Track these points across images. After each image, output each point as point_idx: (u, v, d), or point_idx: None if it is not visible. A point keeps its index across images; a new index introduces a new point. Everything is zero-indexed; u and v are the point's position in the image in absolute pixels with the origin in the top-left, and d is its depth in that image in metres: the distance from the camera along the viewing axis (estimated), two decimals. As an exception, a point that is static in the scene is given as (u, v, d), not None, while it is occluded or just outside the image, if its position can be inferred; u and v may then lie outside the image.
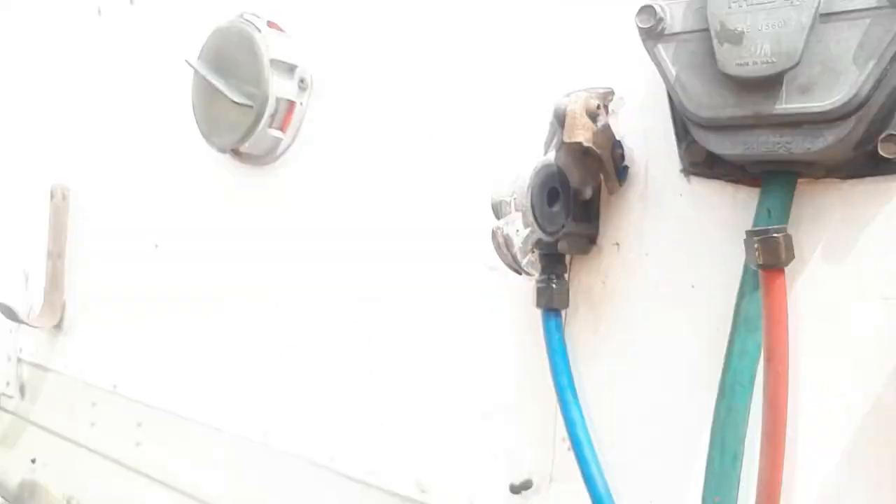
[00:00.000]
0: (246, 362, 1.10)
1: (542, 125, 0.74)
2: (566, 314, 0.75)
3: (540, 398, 0.77)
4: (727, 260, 0.66)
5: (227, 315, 1.13)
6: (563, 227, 0.68)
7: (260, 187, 1.12)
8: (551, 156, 0.67)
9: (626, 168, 0.72)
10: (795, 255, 0.61)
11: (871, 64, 0.51)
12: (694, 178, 0.69)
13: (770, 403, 0.51)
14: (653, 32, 0.60)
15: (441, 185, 0.87)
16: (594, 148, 0.66)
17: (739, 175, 0.65)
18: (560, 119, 0.68)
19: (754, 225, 0.61)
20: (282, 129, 1.08)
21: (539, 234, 0.65)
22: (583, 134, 0.65)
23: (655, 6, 0.60)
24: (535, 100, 0.79)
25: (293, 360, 1.02)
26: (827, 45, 0.53)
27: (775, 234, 0.50)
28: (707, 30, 0.57)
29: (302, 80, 1.06)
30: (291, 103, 1.07)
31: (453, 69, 0.87)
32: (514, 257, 0.63)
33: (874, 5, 0.51)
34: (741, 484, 0.61)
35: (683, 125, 0.67)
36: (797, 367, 0.61)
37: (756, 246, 0.51)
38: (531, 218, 0.64)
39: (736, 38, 0.55)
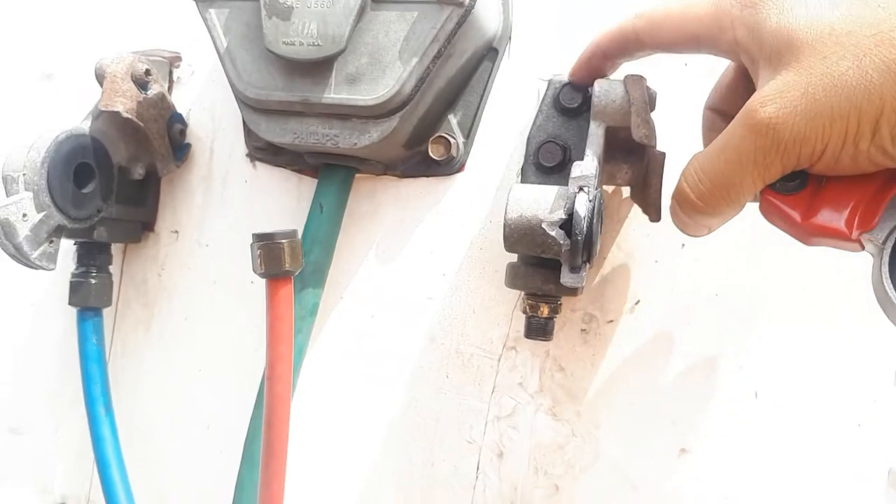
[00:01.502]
0: None
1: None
2: (116, 312, 0.63)
3: (80, 411, 0.64)
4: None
5: None
6: (99, 211, 0.55)
7: None
8: (86, 125, 0.54)
9: (187, 146, 0.61)
10: (350, 252, 0.58)
11: (415, 61, 0.47)
12: (259, 164, 0.61)
13: (268, 423, 0.44)
14: (205, -7, 0.51)
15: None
16: (135, 119, 0.54)
17: (302, 164, 0.58)
18: (101, 82, 0.55)
19: (307, 221, 0.55)
20: None
21: (59, 219, 0.52)
22: (123, 102, 0.53)
23: (206, -38, 0.50)
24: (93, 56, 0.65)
25: None
26: (376, 34, 0.48)
27: (278, 242, 0.44)
28: (260, -1, 0.49)
29: None
30: None
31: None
32: (17, 248, 0.49)
33: (422, -1, 0.47)
34: None
35: (247, 105, 0.59)
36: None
37: (259, 253, 0.44)
38: (47, 199, 0.51)
39: (285, 13, 0.48)
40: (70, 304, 0.58)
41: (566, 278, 0.43)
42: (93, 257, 0.58)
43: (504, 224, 0.44)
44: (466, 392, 0.56)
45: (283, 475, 0.45)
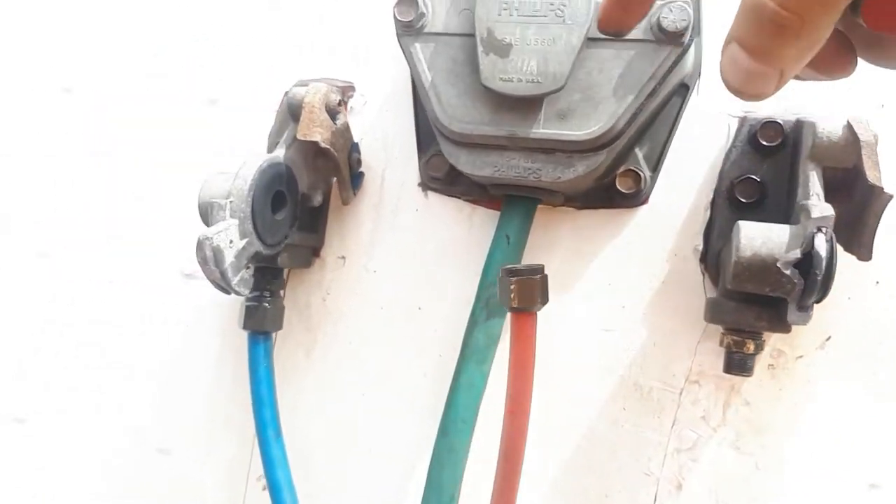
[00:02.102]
0: None
1: (266, 116, 0.62)
2: (276, 335, 0.63)
3: (233, 432, 0.64)
4: (457, 283, 0.60)
5: None
6: (285, 237, 0.55)
7: None
8: (280, 153, 0.54)
9: (361, 175, 0.61)
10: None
11: (630, 98, 0.48)
12: (431, 194, 0.61)
13: (506, 455, 0.44)
14: (412, 28, 0.51)
15: (126, 167, 0.68)
16: (332, 150, 0.54)
17: (479, 195, 0.59)
18: (294, 111, 0.55)
19: (492, 250, 0.55)
20: None
21: (258, 246, 0.52)
22: (320, 132, 0.54)
23: (417, -1, 0.51)
24: (258, 83, 0.66)
25: None
26: (590, 71, 0.48)
27: (532, 276, 0.44)
28: (472, 35, 0.49)
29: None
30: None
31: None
32: (223, 274, 0.49)
33: (639, 37, 0.47)
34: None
35: (429, 135, 0.59)
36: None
37: (512, 287, 0.44)
38: (250, 227, 0.51)
39: (503, 50, 0.48)
40: (244, 327, 0.58)
41: (794, 317, 0.43)
42: (267, 282, 0.58)
43: (735, 262, 0.44)
44: (644, 424, 0.56)
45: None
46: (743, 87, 0.30)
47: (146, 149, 0.67)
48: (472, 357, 0.53)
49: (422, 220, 0.61)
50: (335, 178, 0.59)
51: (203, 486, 0.65)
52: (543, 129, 0.49)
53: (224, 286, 0.50)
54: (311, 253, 0.62)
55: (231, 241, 0.49)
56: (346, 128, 0.58)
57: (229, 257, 0.49)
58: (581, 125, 0.49)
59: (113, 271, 0.67)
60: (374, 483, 0.60)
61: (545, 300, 0.45)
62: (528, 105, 0.49)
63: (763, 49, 0.28)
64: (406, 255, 0.61)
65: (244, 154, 0.64)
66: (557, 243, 0.58)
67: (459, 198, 0.60)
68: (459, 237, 0.60)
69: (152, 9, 0.68)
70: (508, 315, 0.52)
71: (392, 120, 0.62)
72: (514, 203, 0.55)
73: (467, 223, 0.60)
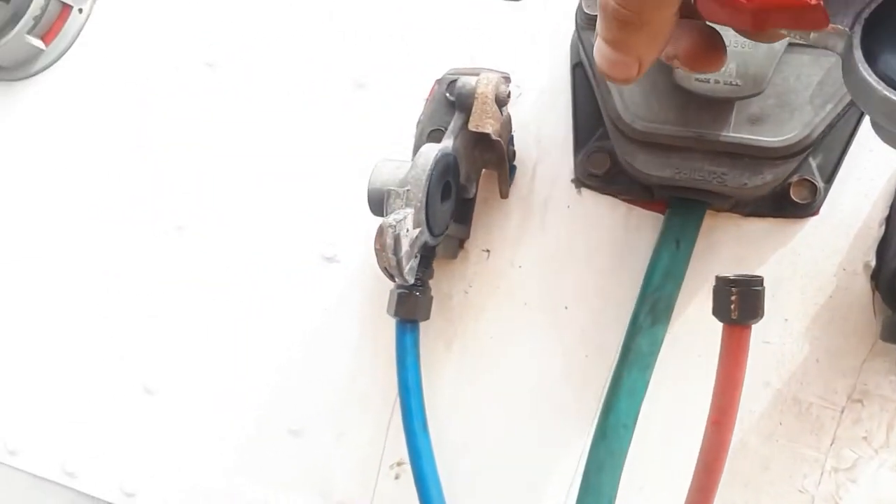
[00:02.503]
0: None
1: (414, 101, 0.61)
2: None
3: (368, 418, 0.64)
4: (609, 283, 0.59)
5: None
6: (446, 228, 0.55)
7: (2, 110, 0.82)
8: (449, 143, 0.54)
9: (514, 168, 0.61)
10: (684, 288, 0.56)
11: (829, 107, 0.46)
12: (585, 191, 0.60)
13: (706, 467, 0.44)
14: (595, 21, 0.50)
15: (270, 148, 0.69)
16: (501, 142, 0.54)
17: (640, 195, 0.57)
18: (463, 101, 0.55)
19: (658, 254, 0.54)
20: (44, 38, 0.80)
21: (426, 236, 0.52)
22: (492, 124, 0.53)
23: (602, -8, 0.50)
24: (407, 68, 0.65)
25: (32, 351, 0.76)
26: (787, 77, 0.47)
27: (755, 287, 0.42)
28: (657, 32, 0.48)
29: (84, -19, 0.79)
30: (66, 7, 0.79)
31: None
32: (398, 263, 0.49)
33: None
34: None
35: (587, 130, 0.58)
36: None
37: (733, 298, 0.43)
38: (423, 217, 0.50)
39: (697, 49, 0.47)
40: (395, 314, 0.58)
41: None
42: (420, 272, 0.58)
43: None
44: (801, 441, 0.54)
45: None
46: (610, 73, 0.36)
47: (290, 130, 0.68)
48: (635, 363, 0.52)
49: (573, 218, 0.60)
50: (483, 171, 0.58)
51: (333, 470, 0.65)
52: (734, 132, 0.48)
53: (397, 273, 0.49)
54: (457, 244, 0.61)
55: (407, 230, 0.49)
56: (509, 119, 0.57)
57: (405, 246, 0.49)
58: (775, 131, 0.47)
59: (254, 251, 0.68)
60: (511, 481, 0.60)
61: (763, 314, 0.43)
62: (719, 107, 0.48)
63: (616, 41, 0.34)
64: (554, 252, 0.60)
65: (389, 140, 0.65)
66: (718, 250, 0.57)
67: (616, 196, 0.59)
68: (613, 237, 0.59)
69: (305, -9, 0.68)
70: (673, 322, 0.51)
71: (547, 113, 0.61)
72: (684, 206, 0.54)
73: (623, 223, 0.59)
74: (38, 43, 0.79)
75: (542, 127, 0.61)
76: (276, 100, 0.69)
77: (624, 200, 0.59)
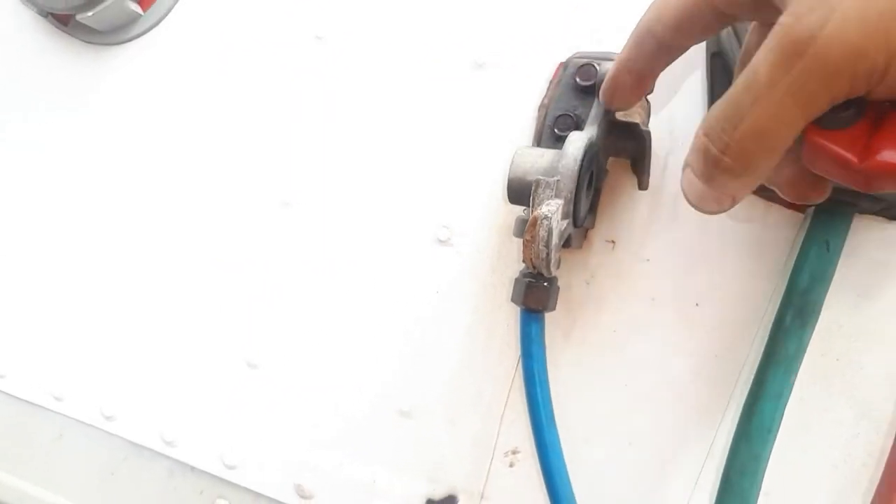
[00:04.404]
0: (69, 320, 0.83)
1: (535, 84, 0.62)
2: (541, 314, 0.64)
3: (482, 405, 0.66)
4: (744, 282, 0.59)
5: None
6: (584, 218, 0.56)
7: (94, 76, 0.83)
8: (594, 132, 0.54)
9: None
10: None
11: None
12: (720, 185, 0.60)
13: (891, 485, 0.44)
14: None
15: (381, 126, 0.70)
16: (649, 131, 0.54)
17: (773, 193, 0.58)
18: (599, 87, 0.55)
19: (806, 255, 0.54)
20: (142, 4, 0.81)
21: (570, 228, 0.52)
22: (639, 114, 0.53)
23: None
24: (528, 49, 0.65)
25: (144, 331, 0.78)
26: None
27: None
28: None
29: (185, -54, 0.80)
30: (165, -26, 0.81)
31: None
32: (548, 254, 0.50)
33: None
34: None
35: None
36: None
37: None
38: (571, 208, 0.51)
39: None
40: (522, 303, 0.58)
41: None
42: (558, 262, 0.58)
43: None
44: (943, 453, 0.55)
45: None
46: (699, 206, 0.38)
47: (404, 109, 0.69)
48: (780, 365, 0.53)
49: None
50: (611, 158, 0.59)
51: (444, 454, 0.67)
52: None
53: (544, 266, 0.51)
54: (583, 234, 0.62)
55: (557, 221, 0.50)
56: (649, 108, 0.57)
57: (555, 237, 0.50)
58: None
59: (365, 231, 0.69)
60: (634, 475, 0.61)
61: None
62: (890, 108, 0.47)
63: (711, 180, 0.34)
64: (686, 246, 0.61)
65: (506, 123, 0.65)
66: (860, 252, 0.57)
67: (758, 195, 0.59)
68: (751, 235, 0.59)
69: (428, -35, 0.68)
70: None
71: (682, 104, 0.61)
72: (835, 208, 0.54)
73: (761, 221, 0.59)
74: (136, 7, 0.80)
75: (676, 116, 0.61)
76: (389, 76, 0.69)
77: (763, 197, 0.59)
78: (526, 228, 0.49)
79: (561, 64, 0.62)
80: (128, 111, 0.80)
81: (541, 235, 0.49)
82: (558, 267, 0.58)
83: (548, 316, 0.64)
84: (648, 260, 0.62)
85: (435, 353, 0.67)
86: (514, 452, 0.65)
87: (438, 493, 0.67)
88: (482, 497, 0.66)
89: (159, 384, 0.76)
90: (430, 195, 0.67)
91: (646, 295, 0.62)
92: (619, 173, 0.62)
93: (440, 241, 0.67)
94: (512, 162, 0.54)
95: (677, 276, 0.61)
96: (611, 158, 0.61)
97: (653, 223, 0.62)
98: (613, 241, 0.63)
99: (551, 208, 0.49)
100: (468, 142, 0.67)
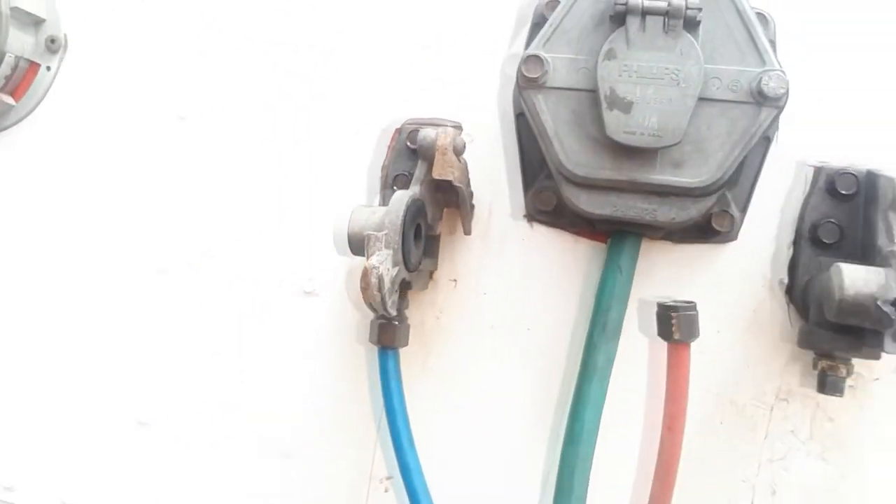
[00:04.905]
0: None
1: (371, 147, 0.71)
2: (398, 351, 0.73)
3: (355, 438, 0.73)
4: (563, 307, 0.69)
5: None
6: (419, 264, 0.65)
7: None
8: (417, 190, 0.64)
9: (472, 207, 0.71)
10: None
11: (736, 151, 0.58)
12: (537, 225, 0.70)
13: (664, 468, 0.54)
14: (535, 83, 0.60)
15: (244, 190, 0.77)
16: (462, 187, 0.64)
17: (584, 228, 0.68)
18: (425, 152, 0.65)
19: (605, 279, 0.65)
20: (14, 94, 0.87)
21: (404, 273, 0.61)
22: (452, 171, 0.63)
23: (542, 57, 0.60)
24: (366, 121, 0.75)
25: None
26: (699, 126, 0.58)
27: (690, 311, 0.54)
28: (591, 91, 0.59)
29: (52, 40, 0.87)
30: (34, 65, 0.87)
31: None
32: (383, 299, 0.58)
33: (743, 100, 0.57)
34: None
35: (532, 172, 0.69)
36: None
37: (673, 321, 0.54)
38: (400, 256, 0.60)
39: (626, 107, 0.58)
40: (376, 342, 0.67)
41: (890, 347, 0.53)
42: (398, 303, 0.67)
43: (840, 300, 0.54)
44: (740, 437, 0.65)
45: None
46: None
47: (263, 178, 0.77)
48: (594, 376, 0.63)
49: (528, 249, 0.71)
50: (445, 210, 0.69)
51: (325, 488, 0.74)
52: (660, 175, 0.59)
53: (381, 308, 0.59)
54: (428, 276, 0.71)
55: (388, 269, 0.59)
56: (466, 165, 0.67)
57: (387, 283, 0.58)
58: (694, 173, 0.58)
59: (237, 290, 0.76)
60: (488, 485, 0.70)
61: (698, 333, 0.54)
62: (646, 154, 0.59)
63: None
64: (514, 279, 0.71)
65: (355, 185, 0.74)
66: (656, 273, 0.68)
67: (564, 229, 0.69)
68: (564, 265, 0.70)
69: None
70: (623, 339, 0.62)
71: (497, 158, 0.72)
72: (624, 237, 0.65)
73: (572, 253, 0.69)
74: (9, 99, 0.86)
75: (495, 170, 0.72)
76: (248, 148, 0.77)
77: (571, 232, 0.69)
78: (361, 277, 0.58)
79: (397, 130, 0.72)
80: (4, 194, 0.85)
81: (372, 283, 0.57)
82: (400, 307, 0.67)
83: (405, 351, 0.73)
84: (486, 293, 0.71)
85: (311, 396, 0.75)
86: (388, 478, 0.72)
87: (323, 525, 0.74)
88: (361, 525, 0.73)
89: (56, 450, 0.80)
90: (294, 253, 0.75)
91: (486, 324, 0.71)
92: (455, 221, 0.72)
93: (306, 293, 0.75)
94: (349, 219, 0.63)
95: (510, 306, 0.71)
96: (445, 209, 0.71)
97: (485, 261, 0.72)
98: (455, 280, 0.72)
99: (381, 258, 0.58)
100: (323, 202, 0.75)
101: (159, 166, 0.80)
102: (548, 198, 0.68)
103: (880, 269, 0.54)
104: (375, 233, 0.60)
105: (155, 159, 0.80)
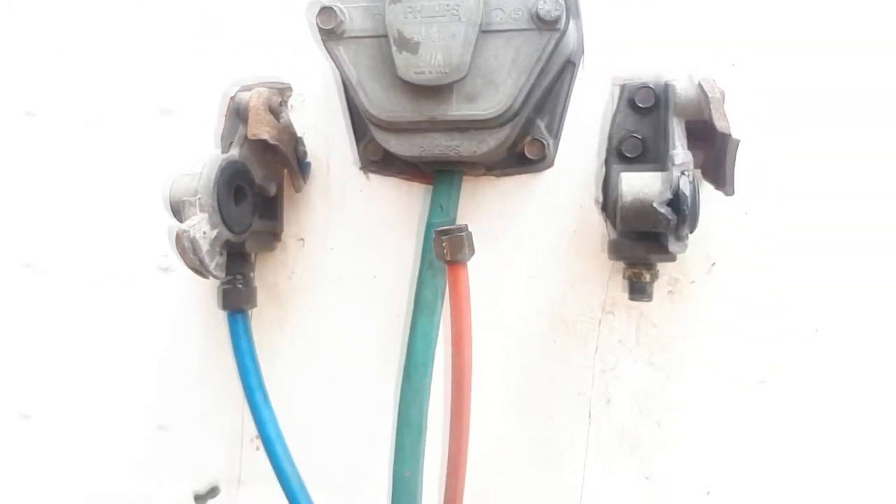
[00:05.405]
0: None
1: (212, 118, 0.73)
2: (252, 314, 0.75)
3: (224, 402, 0.77)
4: (404, 250, 0.72)
5: None
6: (250, 225, 0.67)
7: None
8: (235, 152, 0.66)
9: (308, 164, 0.73)
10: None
11: (523, 79, 0.60)
12: (372, 175, 0.73)
13: (457, 382, 0.57)
14: (333, 34, 0.63)
15: (97, 172, 0.79)
16: (279, 145, 0.66)
17: (413, 172, 0.71)
18: (241, 114, 0.67)
19: (429, 219, 0.68)
20: None
21: (227, 234, 0.64)
22: (266, 130, 0.65)
23: (335, 8, 0.62)
24: (204, 92, 0.77)
25: None
26: (487, 58, 0.61)
27: (459, 234, 0.56)
28: (384, 35, 0.61)
29: None
30: None
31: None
32: (201, 262, 0.61)
33: (524, 27, 0.59)
34: (425, 456, 0.67)
35: (362, 124, 0.71)
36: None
37: (444, 244, 0.56)
38: (218, 218, 0.63)
39: (413, 48, 0.60)
40: (223, 307, 0.70)
41: (674, 247, 0.56)
42: (239, 266, 0.70)
43: (620, 207, 0.57)
44: (573, 352, 0.69)
45: (468, 428, 0.57)
46: None
47: (113, 162, 0.79)
48: (423, 310, 0.65)
49: (367, 199, 0.73)
50: (286, 170, 0.71)
51: (202, 454, 0.77)
52: (456, 111, 0.61)
53: (203, 271, 0.62)
54: (273, 238, 0.74)
55: (204, 232, 0.61)
56: (289, 124, 0.70)
57: (205, 246, 0.61)
58: (486, 105, 0.61)
59: (95, 271, 0.79)
60: (349, 427, 0.73)
61: (472, 252, 0.57)
62: (440, 92, 0.61)
63: None
64: (357, 231, 0.74)
65: (200, 155, 0.76)
66: (483, 207, 0.71)
67: (397, 176, 0.72)
68: (400, 210, 0.72)
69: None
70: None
71: (329, 114, 0.74)
72: (443, 176, 0.67)
73: (406, 197, 0.72)
74: None
75: (328, 126, 0.74)
76: (90, 134, 0.79)
77: (403, 178, 0.72)
78: (175, 242, 0.60)
79: (231, 98, 0.73)
80: None
81: (186, 247, 0.60)
82: (243, 271, 0.70)
83: (264, 313, 0.75)
84: (332, 248, 0.74)
85: (178, 367, 0.78)
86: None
87: (203, 488, 0.77)
88: (240, 482, 0.76)
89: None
90: (147, 230, 0.78)
91: (335, 277, 0.74)
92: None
93: (163, 269, 0.78)
94: (171, 188, 0.65)
95: (356, 257, 0.74)
96: (285, 170, 0.73)
97: (329, 217, 0.74)
98: (303, 239, 0.75)
99: (192, 222, 0.60)
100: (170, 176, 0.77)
101: (8, 163, 0.82)
102: (376, 147, 0.71)
103: (657, 174, 0.57)
104: (189, 198, 0.62)
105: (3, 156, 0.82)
